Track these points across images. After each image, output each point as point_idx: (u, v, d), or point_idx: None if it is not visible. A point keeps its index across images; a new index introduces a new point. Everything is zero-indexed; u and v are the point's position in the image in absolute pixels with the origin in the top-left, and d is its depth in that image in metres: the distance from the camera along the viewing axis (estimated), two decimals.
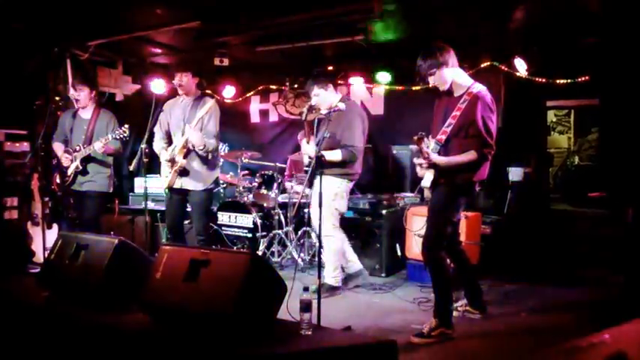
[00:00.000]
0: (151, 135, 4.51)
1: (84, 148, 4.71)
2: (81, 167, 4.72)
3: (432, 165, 3.44)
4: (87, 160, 4.74)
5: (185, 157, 4.36)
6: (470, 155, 3.40)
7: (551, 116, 9.18)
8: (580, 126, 9.04)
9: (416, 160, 3.54)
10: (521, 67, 5.50)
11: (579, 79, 5.37)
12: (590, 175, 7.25)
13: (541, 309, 4.20)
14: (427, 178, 3.56)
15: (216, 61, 6.24)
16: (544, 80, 5.50)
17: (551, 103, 6.40)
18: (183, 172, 4.39)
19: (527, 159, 5.73)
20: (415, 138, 3.32)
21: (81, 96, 4.79)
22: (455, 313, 3.75)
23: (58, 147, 4.91)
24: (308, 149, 4.57)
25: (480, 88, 3.50)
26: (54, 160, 5.05)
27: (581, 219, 5.83)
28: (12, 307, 3.31)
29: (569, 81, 5.41)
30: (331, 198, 4.50)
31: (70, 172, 4.77)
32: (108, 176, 4.88)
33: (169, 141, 4.54)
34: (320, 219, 3.70)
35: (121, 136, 4.49)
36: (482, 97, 3.43)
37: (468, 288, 3.95)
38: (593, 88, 5.52)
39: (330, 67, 6.80)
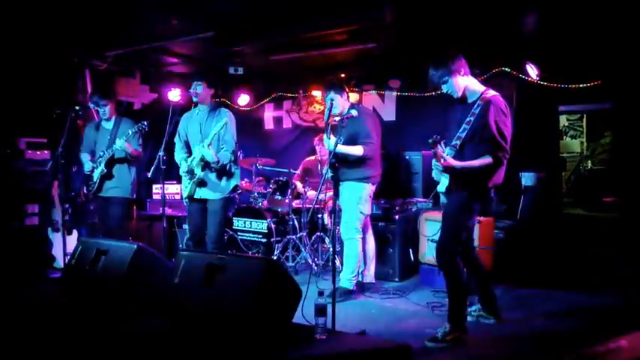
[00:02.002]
0: (169, 143, 4.61)
1: (106, 151, 4.87)
2: (106, 170, 4.87)
3: (447, 169, 3.48)
4: (111, 163, 4.89)
5: (203, 169, 4.45)
6: (485, 160, 3.43)
7: (563, 120, 9.15)
8: (592, 130, 9.00)
9: (434, 162, 3.57)
10: (532, 72, 5.53)
11: (592, 83, 5.37)
12: (603, 179, 7.21)
13: (555, 314, 4.20)
14: (443, 183, 3.62)
15: (231, 70, 6.35)
16: (556, 85, 5.51)
17: (564, 108, 6.38)
18: (202, 184, 4.49)
19: (540, 164, 5.73)
20: (430, 141, 3.36)
21: (106, 111, 5.00)
22: (469, 318, 3.78)
23: (85, 157, 5.11)
24: (328, 143, 4.56)
25: (492, 93, 3.56)
26: (74, 167, 5.19)
27: (595, 223, 5.81)
28: (33, 312, 3.41)
29: (581, 85, 5.42)
30: (356, 202, 4.59)
31: (95, 177, 4.93)
32: (132, 182, 5.03)
33: (189, 151, 4.63)
34: (341, 221, 3.74)
35: (141, 128, 4.62)
36: (495, 102, 3.48)
37: (482, 293, 3.96)
38: (606, 92, 5.50)
39: (343, 75, 6.87)
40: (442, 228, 3.68)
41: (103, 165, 4.87)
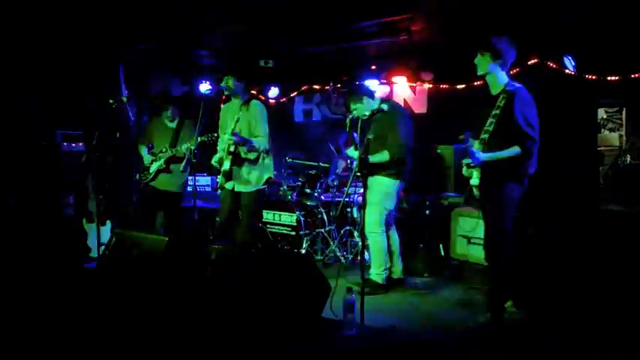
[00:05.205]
0: (205, 136, 4.66)
1: (170, 150, 5.09)
2: (165, 166, 5.12)
3: (478, 163, 3.51)
4: (171, 161, 5.12)
5: (233, 164, 4.47)
6: (514, 150, 3.49)
7: (601, 113, 8.84)
8: (633, 123, 8.66)
9: (464, 161, 3.61)
10: (570, 64, 5.37)
11: (632, 76, 5.20)
12: None
13: (590, 312, 4.11)
14: (475, 176, 3.60)
15: (261, 63, 6.37)
16: (594, 77, 5.35)
17: (603, 100, 6.19)
18: (232, 177, 4.52)
19: (577, 158, 5.59)
20: (461, 137, 3.36)
21: (169, 114, 5.26)
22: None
23: (143, 150, 5.34)
24: (353, 154, 4.63)
25: (515, 85, 3.59)
26: (107, 159, 5.33)
27: (633, 220, 5.62)
28: (68, 300, 3.50)
29: (621, 77, 5.25)
30: (382, 197, 4.56)
31: (152, 169, 5.16)
32: (185, 179, 5.31)
33: None
34: (365, 215, 3.76)
35: (210, 138, 4.72)
36: (518, 93, 3.52)
37: None
38: None
39: (373, 67, 6.81)
40: (487, 223, 3.73)
41: (162, 161, 5.10)
